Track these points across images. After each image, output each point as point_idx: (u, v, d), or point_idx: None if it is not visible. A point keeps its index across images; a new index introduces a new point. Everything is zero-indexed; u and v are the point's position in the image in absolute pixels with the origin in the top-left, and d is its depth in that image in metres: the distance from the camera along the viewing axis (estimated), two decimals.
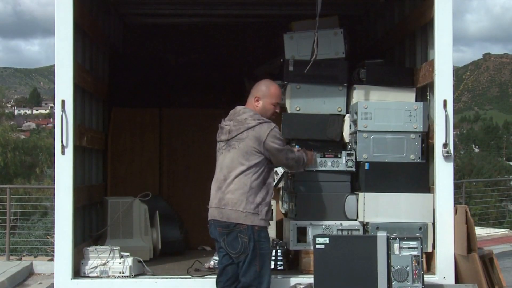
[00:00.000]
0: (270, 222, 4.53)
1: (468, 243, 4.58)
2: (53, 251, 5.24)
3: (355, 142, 4.95)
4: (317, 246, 4.10)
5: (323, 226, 4.88)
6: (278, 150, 4.14)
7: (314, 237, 4.20)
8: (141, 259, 4.96)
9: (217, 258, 5.08)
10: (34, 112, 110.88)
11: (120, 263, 4.71)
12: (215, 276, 4.72)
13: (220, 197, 4.12)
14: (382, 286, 4.03)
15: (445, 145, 4.65)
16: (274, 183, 5.36)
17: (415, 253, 4.13)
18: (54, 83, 4.77)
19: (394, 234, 4.20)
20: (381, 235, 4.12)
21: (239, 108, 4.30)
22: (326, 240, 4.12)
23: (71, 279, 4.61)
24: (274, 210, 5.19)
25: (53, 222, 5.13)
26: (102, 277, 4.69)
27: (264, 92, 4.26)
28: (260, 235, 4.06)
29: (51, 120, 76.11)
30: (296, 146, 4.85)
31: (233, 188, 4.07)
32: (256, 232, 4.04)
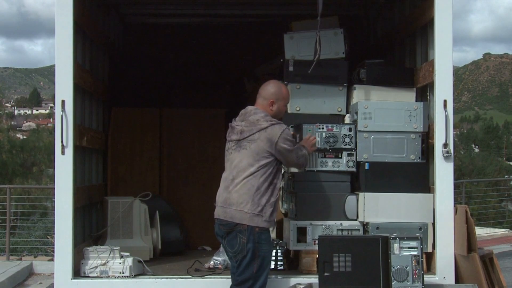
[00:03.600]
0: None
1: (468, 243, 4.58)
2: (53, 251, 5.23)
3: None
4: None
5: (323, 226, 4.87)
6: (289, 151, 4.15)
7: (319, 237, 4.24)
8: (141, 259, 4.96)
9: (217, 258, 5.10)
10: (34, 112, 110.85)
11: (120, 263, 4.71)
12: (215, 276, 4.75)
13: (226, 197, 4.12)
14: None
15: (445, 145, 4.65)
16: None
17: (415, 253, 4.13)
18: (54, 83, 4.77)
19: (394, 234, 4.21)
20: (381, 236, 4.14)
21: (250, 108, 4.26)
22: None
23: (71, 279, 4.61)
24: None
25: (53, 222, 5.12)
26: (102, 277, 4.68)
27: (277, 95, 4.24)
28: (261, 237, 4.04)
29: (51, 120, 76.12)
30: (291, 128, 4.80)
31: (239, 189, 4.07)
32: (256, 234, 4.02)
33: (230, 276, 4.24)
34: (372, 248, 4.08)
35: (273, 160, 4.11)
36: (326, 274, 4.02)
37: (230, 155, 4.21)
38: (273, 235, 5.10)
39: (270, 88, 4.26)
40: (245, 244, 4.01)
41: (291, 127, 5.12)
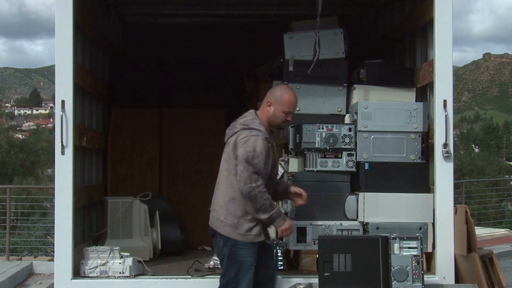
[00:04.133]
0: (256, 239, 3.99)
1: (468, 243, 4.58)
2: (53, 251, 5.24)
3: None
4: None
5: (323, 226, 4.87)
6: (240, 161, 3.79)
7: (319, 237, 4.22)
8: (141, 259, 4.96)
9: (217, 258, 5.09)
10: (34, 112, 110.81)
11: (120, 263, 4.71)
12: (215, 276, 4.74)
13: (212, 201, 4.07)
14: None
15: (445, 145, 4.65)
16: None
17: (415, 253, 4.13)
18: (54, 83, 4.77)
19: (394, 234, 4.20)
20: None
21: (246, 114, 4.06)
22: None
23: (71, 279, 4.61)
24: None
25: (53, 222, 5.12)
26: (102, 277, 4.69)
27: (277, 98, 4.00)
28: (237, 242, 3.90)
29: (51, 120, 76.11)
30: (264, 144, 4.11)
31: (217, 195, 4.01)
32: (233, 240, 3.91)
33: None
34: (372, 248, 4.08)
35: None
36: (326, 274, 4.02)
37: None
38: (273, 235, 5.10)
39: (273, 90, 4.11)
40: (221, 248, 3.95)
41: (291, 127, 5.12)
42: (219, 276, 4.43)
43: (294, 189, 4.17)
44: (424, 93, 5.21)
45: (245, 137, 3.84)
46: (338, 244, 4.10)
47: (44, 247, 10.85)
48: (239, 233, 3.89)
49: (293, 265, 5.04)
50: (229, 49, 7.62)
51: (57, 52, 4.68)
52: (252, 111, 4.07)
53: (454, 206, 4.71)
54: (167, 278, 4.75)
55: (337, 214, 4.91)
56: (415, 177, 4.91)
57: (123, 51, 7.34)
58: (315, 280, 4.49)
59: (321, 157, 4.94)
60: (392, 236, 4.16)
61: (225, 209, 3.92)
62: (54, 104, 5.08)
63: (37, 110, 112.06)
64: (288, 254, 5.05)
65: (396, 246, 4.14)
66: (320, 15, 4.62)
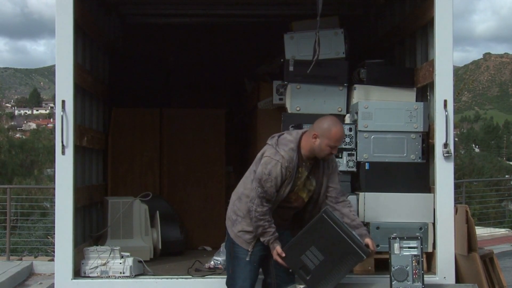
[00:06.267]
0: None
1: (468, 243, 4.58)
2: (54, 251, 5.24)
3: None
4: None
5: None
6: (255, 177, 3.84)
7: None
8: (141, 259, 4.96)
9: (217, 258, 5.11)
10: (34, 112, 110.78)
11: (120, 263, 4.71)
12: (216, 276, 4.74)
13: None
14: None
15: (446, 145, 4.65)
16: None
17: (415, 253, 4.12)
18: (54, 83, 4.77)
19: (394, 234, 4.20)
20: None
21: (292, 133, 3.96)
22: None
23: (72, 279, 4.60)
24: None
25: (53, 222, 5.13)
26: (102, 277, 4.69)
27: (323, 131, 3.83)
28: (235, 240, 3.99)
29: (52, 120, 76.11)
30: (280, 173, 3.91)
31: (236, 188, 4.09)
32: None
33: None
34: (323, 226, 3.88)
35: None
36: (307, 278, 3.95)
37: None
38: None
39: (321, 122, 3.88)
40: (226, 244, 4.09)
41: (291, 127, 5.11)
42: (219, 276, 4.45)
43: (368, 241, 3.97)
44: (425, 93, 5.21)
45: (268, 156, 3.83)
46: (297, 248, 3.92)
47: (45, 247, 10.86)
48: (233, 230, 3.97)
49: None
50: (229, 49, 7.63)
51: (58, 52, 4.68)
52: (300, 132, 3.94)
53: (455, 206, 4.71)
54: (167, 278, 4.75)
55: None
56: (415, 177, 4.91)
57: (123, 51, 7.34)
58: None
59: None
60: (392, 236, 4.16)
61: (232, 204, 4.03)
62: (54, 104, 5.08)
63: (37, 110, 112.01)
64: None
65: (396, 246, 4.13)
66: (320, 15, 4.62)
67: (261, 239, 3.88)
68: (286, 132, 4.03)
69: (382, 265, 4.77)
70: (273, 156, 3.81)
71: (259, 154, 3.96)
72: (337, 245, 3.87)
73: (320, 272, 3.90)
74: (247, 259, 3.92)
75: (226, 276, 4.10)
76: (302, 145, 3.89)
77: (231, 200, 4.08)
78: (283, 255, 3.85)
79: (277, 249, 3.85)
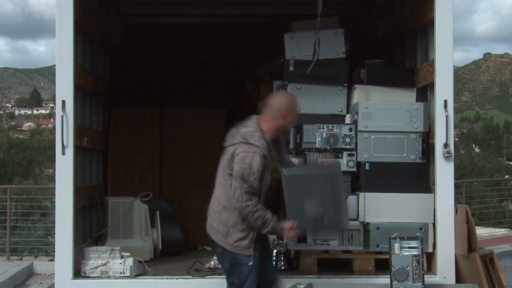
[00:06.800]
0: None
1: (468, 243, 4.58)
2: (54, 251, 5.24)
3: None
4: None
5: None
6: (235, 177, 3.75)
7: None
8: (141, 259, 4.96)
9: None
10: (35, 112, 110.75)
11: (120, 263, 4.71)
12: (216, 276, 4.74)
13: (209, 206, 4.02)
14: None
15: (446, 145, 4.65)
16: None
17: (416, 253, 4.12)
18: (54, 83, 4.77)
19: (395, 234, 4.20)
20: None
21: (251, 118, 3.99)
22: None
23: (72, 279, 4.61)
24: None
25: (53, 222, 5.13)
26: (102, 277, 4.69)
27: (289, 107, 3.97)
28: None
29: (52, 120, 76.08)
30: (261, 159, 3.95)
31: (213, 201, 3.97)
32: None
33: None
34: (294, 181, 3.88)
35: None
36: (325, 222, 3.90)
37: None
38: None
39: (276, 101, 3.99)
40: (222, 254, 3.91)
41: (291, 127, 5.11)
42: (219, 276, 4.44)
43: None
44: (425, 93, 5.21)
45: (242, 152, 3.78)
46: (295, 212, 3.85)
47: (45, 247, 10.85)
48: (228, 242, 3.84)
49: (293, 265, 5.04)
50: (229, 49, 7.62)
51: (58, 52, 4.68)
52: (255, 120, 3.96)
53: (455, 206, 4.71)
54: (167, 278, 4.75)
55: None
56: (415, 177, 4.91)
57: (123, 51, 7.34)
58: (315, 280, 4.50)
59: (322, 157, 4.94)
60: (393, 236, 4.16)
61: (218, 216, 3.89)
62: (54, 104, 5.08)
63: (37, 110, 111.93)
64: (289, 254, 5.05)
65: (396, 246, 4.13)
66: (320, 15, 4.62)
67: (264, 231, 3.79)
68: (239, 127, 3.94)
69: (382, 265, 4.77)
70: (248, 150, 3.77)
71: (226, 157, 3.86)
72: (317, 182, 3.90)
73: (329, 210, 3.89)
74: (250, 263, 3.84)
75: (225, 276, 4.02)
76: (265, 130, 3.90)
77: (213, 211, 3.93)
78: (295, 225, 3.81)
79: (286, 225, 3.79)
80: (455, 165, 4.76)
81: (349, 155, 4.95)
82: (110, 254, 4.72)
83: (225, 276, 4.05)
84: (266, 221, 3.75)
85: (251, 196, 3.73)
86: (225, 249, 3.87)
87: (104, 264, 4.70)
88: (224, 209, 3.85)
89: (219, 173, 3.95)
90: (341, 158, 4.94)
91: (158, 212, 5.84)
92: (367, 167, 4.89)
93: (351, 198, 4.91)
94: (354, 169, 4.96)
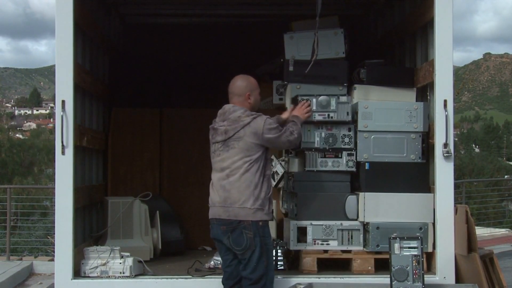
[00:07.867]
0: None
1: (468, 243, 4.58)
2: (54, 251, 5.24)
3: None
4: None
5: (323, 226, 4.88)
6: (276, 138, 4.20)
7: None
8: (141, 259, 4.96)
9: (217, 258, 5.10)
10: (35, 112, 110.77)
11: (120, 263, 4.71)
12: (216, 276, 4.73)
13: (225, 196, 4.14)
14: None
15: (445, 145, 4.65)
16: (274, 184, 5.36)
17: (416, 253, 4.13)
18: (54, 83, 4.77)
19: (394, 234, 4.20)
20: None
21: (228, 107, 4.34)
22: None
23: (72, 279, 4.61)
24: (274, 210, 5.18)
25: (53, 222, 5.13)
26: (102, 277, 4.69)
27: (252, 87, 4.33)
28: (265, 231, 4.14)
29: (52, 120, 76.09)
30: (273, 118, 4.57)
31: (239, 186, 4.11)
32: (261, 228, 4.11)
33: None
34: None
35: (263, 152, 4.19)
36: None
37: (219, 157, 4.26)
38: (273, 235, 5.10)
39: (241, 83, 4.33)
40: (252, 239, 4.07)
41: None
42: (219, 276, 4.43)
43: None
44: (425, 93, 5.21)
45: (263, 120, 4.17)
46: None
47: (45, 247, 10.86)
48: (265, 213, 4.15)
49: (293, 265, 5.04)
50: (229, 49, 7.62)
51: (57, 52, 4.68)
52: (231, 105, 4.33)
53: (455, 206, 4.71)
54: (167, 278, 4.75)
55: (338, 214, 4.91)
56: (415, 177, 4.91)
57: (123, 51, 7.34)
58: (315, 280, 4.50)
59: (321, 157, 4.94)
60: (393, 236, 4.16)
61: (251, 196, 4.09)
62: (54, 104, 5.08)
63: (37, 110, 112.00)
64: (289, 254, 5.05)
65: (396, 246, 4.14)
66: (320, 15, 4.62)
67: (298, 129, 4.34)
68: (229, 114, 4.29)
69: (382, 265, 4.77)
70: (263, 117, 4.21)
71: (245, 140, 4.15)
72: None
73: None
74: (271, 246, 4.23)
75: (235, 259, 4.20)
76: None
77: (244, 197, 4.11)
78: (309, 105, 4.69)
79: (303, 108, 4.63)
80: (455, 165, 4.76)
81: (348, 155, 4.96)
82: (110, 254, 4.72)
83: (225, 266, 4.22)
84: (292, 132, 4.29)
85: (293, 129, 4.30)
86: (257, 229, 4.09)
87: (104, 264, 4.70)
88: (255, 187, 4.11)
89: (239, 159, 4.16)
90: (341, 157, 4.95)
91: (158, 212, 5.84)
92: (367, 167, 4.89)
93: (351, 198, 4.91)
94: (354, 169, 4.96)
